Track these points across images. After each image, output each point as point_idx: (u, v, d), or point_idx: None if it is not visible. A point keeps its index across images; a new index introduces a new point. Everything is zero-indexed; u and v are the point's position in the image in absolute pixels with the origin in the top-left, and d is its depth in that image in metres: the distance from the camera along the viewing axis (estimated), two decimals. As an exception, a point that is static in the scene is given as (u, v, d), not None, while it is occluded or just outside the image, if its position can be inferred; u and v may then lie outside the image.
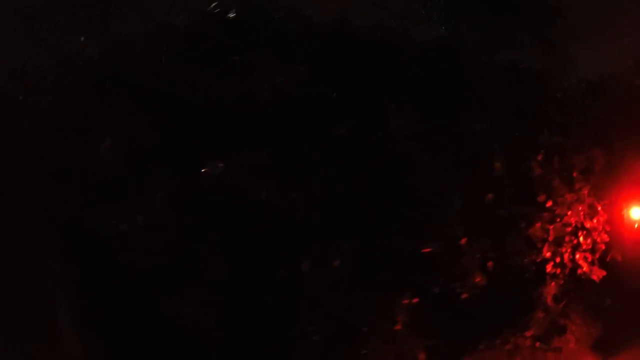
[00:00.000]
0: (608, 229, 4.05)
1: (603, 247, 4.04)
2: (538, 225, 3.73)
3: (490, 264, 3.59)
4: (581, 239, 3.95)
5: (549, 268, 3.83)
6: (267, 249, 3.00)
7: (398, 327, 3.32)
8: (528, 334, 3.79)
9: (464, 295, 3.48)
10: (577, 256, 3.93)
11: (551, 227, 3.82)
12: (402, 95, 3.50)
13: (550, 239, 3.82)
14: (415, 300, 3.35)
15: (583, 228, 3.96)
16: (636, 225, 4.08)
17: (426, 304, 3.36)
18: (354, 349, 3.18)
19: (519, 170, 3.71)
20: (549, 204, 3.78)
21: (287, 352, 3.09)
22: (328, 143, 3.08)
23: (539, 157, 3.77)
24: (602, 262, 4.04)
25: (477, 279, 3.56)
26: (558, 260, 3.85)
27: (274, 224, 2.94)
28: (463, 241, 3.40)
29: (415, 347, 3.43)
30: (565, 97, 4.25)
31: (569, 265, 3.91)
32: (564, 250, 3.89)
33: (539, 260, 3.75)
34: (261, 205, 2.91)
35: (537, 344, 3.80)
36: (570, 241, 3.92)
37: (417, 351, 3.45)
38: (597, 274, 4.02)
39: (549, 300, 3.87)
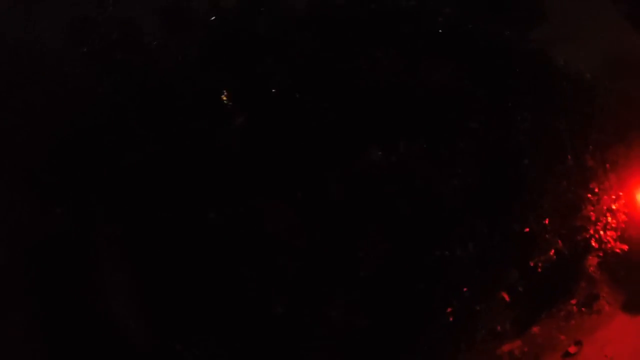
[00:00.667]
0: (627, 210, 4.93)
1: (623, 225, 4.91)
2: (590, 207, 4.49)
3: (560, 242, 4.28)
4: (609, 219, 4.78)
5: (592, 242, 4.62)
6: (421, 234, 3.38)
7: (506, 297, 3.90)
8: (573, 301, 4.53)
9: (540, 269, 4.13)
10: (608, 233, 4.76)
11: (594, 208, 4.61)
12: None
13: (593, 218, 4.60)
14: (517, 275, 3.96)
15: (610, 210, 4.80)
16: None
17: (524, 278, 3.98)
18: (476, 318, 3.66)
19: (577, 162, 4.45)
20: (597, 189, 4.57)
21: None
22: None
23: (591, 152, 4.54)
24: (623, 239, 4.92)
25: (552, 253, 4.22)
26: (597, 237, 4.64)
27: (435, 209, 3.29)
28: (546, 221, 4.03)
29: (503, 318, 4.04)
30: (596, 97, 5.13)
31: (604, 241, 4.72)
32: (599, 228, 4.70)
33: (587, 236, 4.51)
34: (422, 191, 3.25)
35: (583, 309, 4.55)
36: (604, 221, 4.74)
37: (502, 321, 4.03)
38: (621, 248, 4.90)
39: (591, 270, 4.65)
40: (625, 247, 4.81)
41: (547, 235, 4.02)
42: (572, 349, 4.16)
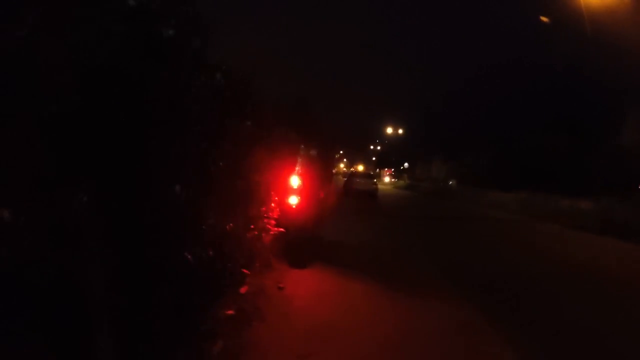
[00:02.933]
0: (280, 208, 7.88)
1: (277, 216, 7.81)
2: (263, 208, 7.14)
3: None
4: (270, 213, 7.61)
5: (265, 228, 7.30)
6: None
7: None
8: (258, 264, 7.05)
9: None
10: (272, 222, 7.57)
11: (265, 209, 7.32)
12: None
13: (262, 214, 7.31)
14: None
15: (270, 209, 7.64)
16: (294, 206, 8.09)
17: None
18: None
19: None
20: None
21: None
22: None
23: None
24: (279, 224, 7.83)
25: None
26: (267, 226, 7.36)
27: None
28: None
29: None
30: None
31: (269, 228, 7.49)
32: (266, 220, 7.45)
33: (260, 225, 7.14)
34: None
35: (264, 268, 7.17)
36: (269, 214, 7.53)
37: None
38: (279, 230, 7.77)
39: (267, 244, 7.32)
40: (282, 229, 7.83)
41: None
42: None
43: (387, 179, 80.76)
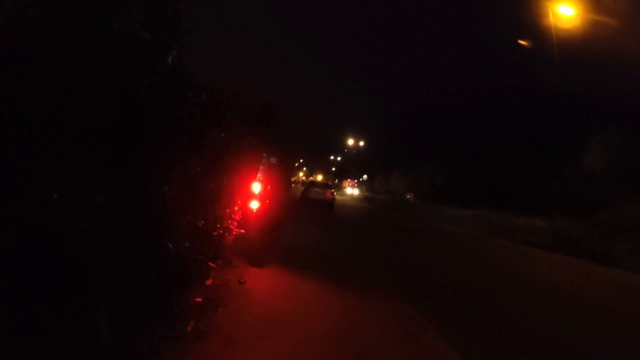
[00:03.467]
0: (242, 211, 8.55)
1: (239, 218, 8.48)
2: (227, 211, 7.78)
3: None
4: (233, 216, 8.27)
5: (228, 229, 7.95)
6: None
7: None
8: (219, 262, 7.68)
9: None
10: (234, 224, 8.23)
11: (227, 212, 7.96)
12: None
13: (226, 215, 7.95)
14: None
15: (233, 212, 8.30)
16: (254, 210, 8.77)
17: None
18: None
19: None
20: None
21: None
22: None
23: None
24: (241, 226, 8.49)
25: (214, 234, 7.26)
26: (230, 226, 8.01)
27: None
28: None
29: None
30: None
31: (232, 228, 8.14)
32: (230, 222, 8.10)
33: (225, 226, 7.79)
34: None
35: (225, 265, 7.81)
36: (232, 217, 8.18)
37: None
38: (240, 231, 8.43)
39: (229, 243, 7.96)
40: (243, 231, 8.50)
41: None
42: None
43: (349, 190, 78.09)
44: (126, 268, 3.47)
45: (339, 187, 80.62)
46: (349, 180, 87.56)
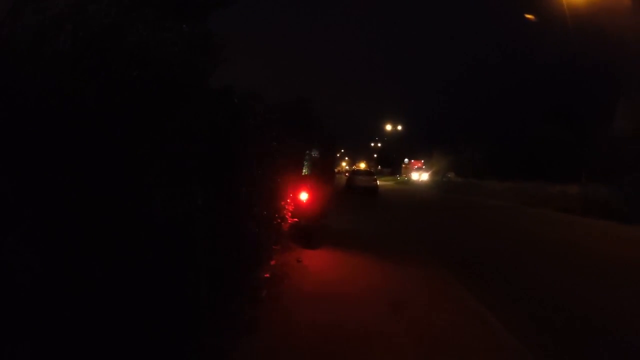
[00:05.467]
0: (294, 203, 10.05)
1: (292, 208, 9.97)
2: (282, 202, 9.29)
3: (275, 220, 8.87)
4: (287, 207, 9.77)
5: (284, 218, 9.47)
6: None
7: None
8: (277, 247, 9.20)
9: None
10: (288, 214, 9.73)
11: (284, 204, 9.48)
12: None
13: (282, 206, 9.47)
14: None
15: (287, 202, 9.80)
16: (304, 201, 10.25)
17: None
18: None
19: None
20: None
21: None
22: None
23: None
24: (294, 215, 9.99)
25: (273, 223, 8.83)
26: (286, 215, 9.53)
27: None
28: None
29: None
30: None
31: (287, 217, 9.64)
32: (284, 212, 9.60)
33: (282, 215, 9.31)
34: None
35: (284, 250, 9.32)
36: (287, 207, 9.68)
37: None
38: (294, 220, 9.93)
39: (285, 231, 9.47)
40: (296, 219, 10.00)
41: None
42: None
43: (415, 175, 63.52)
44: (219, 250, 4.95)
45: (407, 172, 68.62)
46: (412, 161, 71.38)
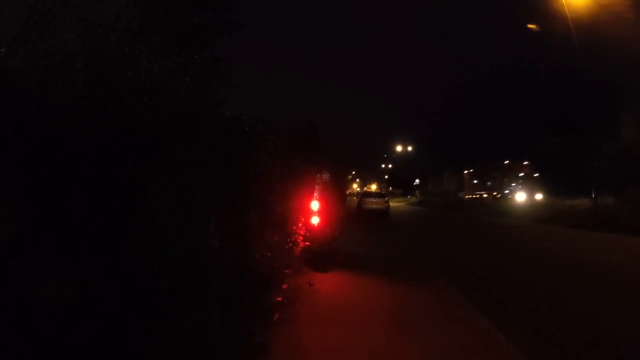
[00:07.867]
0: (305, 227, 10.16)
1: (304, 232, 10.09)
2: (294, 227, 9.41)
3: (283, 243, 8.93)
4: (299, 231, 9.88)
5: (295, 242, 9.57)
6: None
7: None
8: (288, 271, 9.30)
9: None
10: (300, 238, 9.84)
11: (295, 228, 9.60)
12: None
13: (293, 231, 9.58)
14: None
15: (298, 227, 9.92)
16: (315, 225, 10.37)
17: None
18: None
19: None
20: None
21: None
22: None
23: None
24: (305, 239, 10.09)
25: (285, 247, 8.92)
26: (297, 239, 9.63)
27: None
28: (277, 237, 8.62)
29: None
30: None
31: (299, 242, 9.75)
32: (296, 236, 9.72)
33: (294, 239, 9.42)
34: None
35: (295, 273, 9.41)
36: (298, 232, 9.80)
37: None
38: (305, 244, 10.03)
39: (297, 254, 9.57)
40: (308, 243, 10.09)
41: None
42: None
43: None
44: (230, 276, 5.07)
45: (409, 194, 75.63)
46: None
